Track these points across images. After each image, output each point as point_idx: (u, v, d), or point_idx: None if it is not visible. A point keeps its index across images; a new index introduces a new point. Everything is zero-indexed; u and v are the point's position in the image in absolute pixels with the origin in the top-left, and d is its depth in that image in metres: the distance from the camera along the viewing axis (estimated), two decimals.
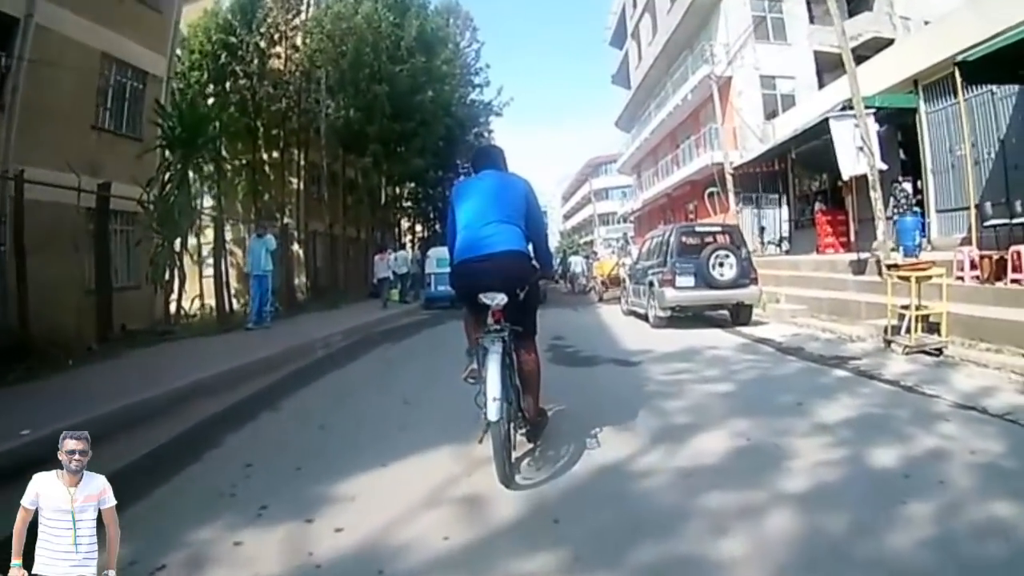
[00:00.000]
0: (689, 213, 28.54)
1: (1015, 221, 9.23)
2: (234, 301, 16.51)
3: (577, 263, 28.51)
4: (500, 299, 3.71)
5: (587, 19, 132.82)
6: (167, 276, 12.35)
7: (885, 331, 8.23)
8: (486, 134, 31.59)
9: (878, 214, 10.89)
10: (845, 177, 11.91)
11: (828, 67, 22.60)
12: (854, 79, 11.19)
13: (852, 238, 15.76)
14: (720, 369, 7.20)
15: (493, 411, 3.38)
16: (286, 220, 20.86)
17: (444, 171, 28.95)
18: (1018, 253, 8.17)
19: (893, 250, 11.01)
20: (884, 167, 11.65)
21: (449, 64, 25.77)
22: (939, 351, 7.23)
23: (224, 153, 18.02)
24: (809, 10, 25.02)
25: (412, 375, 7.75)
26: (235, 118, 19.64)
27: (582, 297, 23.14)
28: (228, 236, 17.81)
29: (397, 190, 29.37)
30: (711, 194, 22.95)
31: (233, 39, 20.61)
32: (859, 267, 11.91)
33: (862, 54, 21.52)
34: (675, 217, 29.01)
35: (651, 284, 11.68)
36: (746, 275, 11.05)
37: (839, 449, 4.06)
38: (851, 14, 25.02)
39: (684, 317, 11.47)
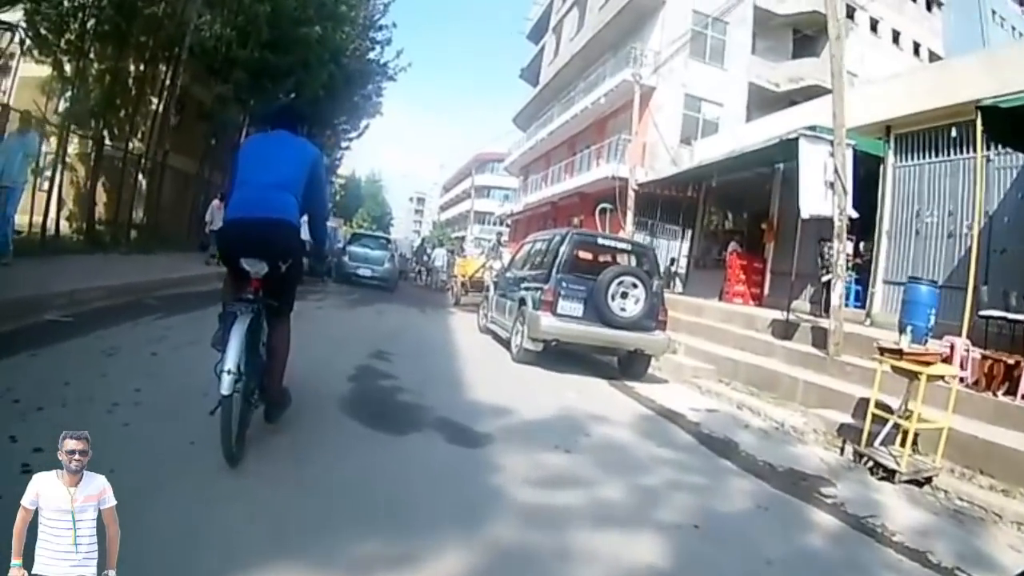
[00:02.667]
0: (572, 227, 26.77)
1: (1012, 316, 7.49)
2: (63, 224, 14.45)
3: (439, 256, 26.96)
4: (261, 268, 3.56)
5: (509, 6, 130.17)
6: None
7: (840, 432, 6.44)
8: (374, 98, 28.02)
9: (839, 272, 8.78)
10: (804, 215, 9.68)
11: (760, 103, 21.88)
12: (840, 99, 8.99)
13: (766, 291, 14.10)
14: (625, 481, 4.44)
15: (226, 384, 3.22)
16: (136, 144, 18.03)
17: (314, 126, 25.27)
18: None
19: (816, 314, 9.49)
20: (855, 215, 9.75)
21: (351, 7, 22.50)
22: (928, 480, 5.35)
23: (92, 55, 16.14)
24: (753, 40, 24.37)
25: (140, 373, 5.00)
26: (108, 15, 16.14)
27: (437, 296, 21.20)
28: (74, 149, 15.74)
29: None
30: (603, 210, 21.03)
31: None
32: (787, 330, 10.00)
33: (795, 99, 20.65)
34: (556, 228, 27.12)
35: (522, 302, 9.14)
36: (653, 315, 8.65)
37: None
38: (795, 56, 24.42)
39: (558, 352, 8.89)
